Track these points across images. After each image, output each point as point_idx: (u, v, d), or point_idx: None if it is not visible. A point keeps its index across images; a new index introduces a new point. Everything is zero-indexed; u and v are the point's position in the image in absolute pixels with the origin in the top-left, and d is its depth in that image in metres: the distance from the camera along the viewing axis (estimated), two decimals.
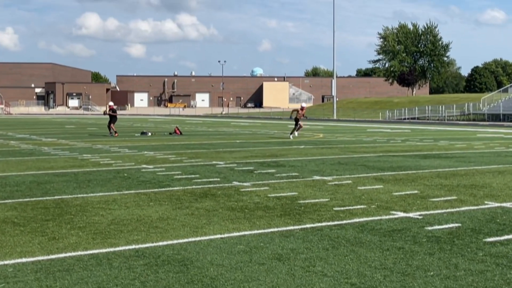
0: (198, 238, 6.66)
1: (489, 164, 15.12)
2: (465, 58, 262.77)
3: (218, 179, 11.79)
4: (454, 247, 6.21)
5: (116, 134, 27.84)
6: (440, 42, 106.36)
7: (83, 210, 8.35)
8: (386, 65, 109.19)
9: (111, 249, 6.14)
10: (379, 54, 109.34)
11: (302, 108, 27.56)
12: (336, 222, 7.52)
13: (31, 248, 6.18)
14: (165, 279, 5.13)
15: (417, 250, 6.11)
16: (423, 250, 6.11)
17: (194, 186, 10.78)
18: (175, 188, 10.55)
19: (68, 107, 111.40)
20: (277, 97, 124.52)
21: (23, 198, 9.45)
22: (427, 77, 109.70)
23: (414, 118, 64.94)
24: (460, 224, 7.37)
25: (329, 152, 18.82)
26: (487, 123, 52.84)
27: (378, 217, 7.84)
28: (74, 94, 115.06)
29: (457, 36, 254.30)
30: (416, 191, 10.17)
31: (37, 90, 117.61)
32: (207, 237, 6.70)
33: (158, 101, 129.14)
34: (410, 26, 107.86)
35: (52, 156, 17.12)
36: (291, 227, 7.22)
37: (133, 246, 6.26)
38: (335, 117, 70.56)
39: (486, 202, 9.09)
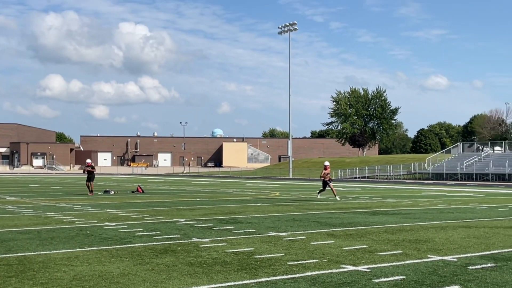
0: None
1: (433, 220, 15.50)
2: (411, 121, 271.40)
3: (178, 236, 11.77)
4: None
5: (91, 194, 27.30)
6: (388, 106, 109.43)
7: (45, 267, 8.22)
8: (339, 127, 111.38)
9: None
10: (332, 116, 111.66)
11: (325, 168, 24.96)
12: (289, 276, 7.61)
13: None
14: None
15: None
16: None
17: (155, 243, 10.73)
18: (137, 245, 10.49)
19: (33, 167, 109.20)
20: (236, 157, 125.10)
21: None
22: (376, 139, 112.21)
23: (364, 177, 65.98)
24: (404, 277, 7.56)
25: (285, 210, 18.97)
26: (432, 181, 54.09)
27: (329, 271, 7.97)
28: (39, 153, 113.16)
29: (404, 100, 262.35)
30: (365, 246, 10.37)
31: (2, 149, 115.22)
32: None
33: (121, 160, 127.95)
34: (361, 91, 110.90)
35: (15, 214, 16.76)
36: (247, 281, 7.28)
37: None
38: (291, 176, 71.12)
39: (429, 255, 9.34)
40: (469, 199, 25.23)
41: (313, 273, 7.83)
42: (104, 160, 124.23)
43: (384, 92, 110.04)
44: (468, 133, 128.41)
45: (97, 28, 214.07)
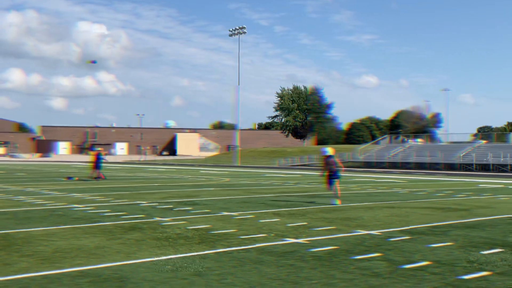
0: (131, 262, 7.14)
1: (362, 202, 16.47)
2: (345, 115, 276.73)
3: (143, 215, 12.19)
4: (332, 263, 7.10)
5: (97, 179, 27.41)
6: (324, 102, 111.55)
7: (28, 242, 8.55)
8: (282, 120, 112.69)
9: (59, 271, 6.50)
10: (276, 110, 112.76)
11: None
12: (242, 247, 8.23)
13: None
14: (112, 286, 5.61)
15: (304, 266, 6.94)
16: (309, 265, 6.95)
17: (122, 222, 11.13)
18: (106, 223, 10.87)
19: None
20: (189, 146, 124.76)
21: None
22: (314, 131, 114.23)
23: (304, 165, 67.33)
24: (337, 247, 8.32)
25: (235, 193, 19.58)
26: (362, 169, 55.84)
27: (275, 243, 8.65)
28: (2, 142, 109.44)
29: (338, 97, 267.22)
30: (305, 223, 11.11)
31: None
32: (139, 260, 7.20)
33: (80, 149, 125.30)
34: (302, 88, 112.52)
35: None
36: (207, 251, 7.86)
37: (77, 268, 6.66)
38: (237, 164, 71.72)
39: (357, 230, 10.16)
40: (393, 185, 26.53)
41: (262, 244, 8.48)
42: (63, 149, 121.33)
43: (320, 89, 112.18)
44: (395, 127, 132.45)
45: (56, 26, 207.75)
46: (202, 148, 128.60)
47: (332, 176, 15.40)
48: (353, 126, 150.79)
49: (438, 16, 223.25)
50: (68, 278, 6.14)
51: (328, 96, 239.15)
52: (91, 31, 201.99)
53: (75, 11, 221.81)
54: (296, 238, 9.14)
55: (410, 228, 10.49)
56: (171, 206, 14.44)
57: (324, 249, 8.08)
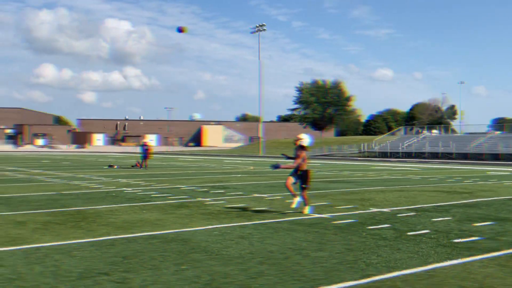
0: (187, 229, 8.50)
1: (376, 186, 17.63)
2: (363, 107, 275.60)
3: (186, 196, 13.59)
4: (349, 231, 8.36)
5: (141, 167, 28.83)
6: (344, 95, 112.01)
7: (98, 216, 9.99)
8: (302, 113, 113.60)
9: (132, 235, 7.90)
10: (296, 103, 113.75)
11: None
12: (275, 220, 9.55)
13: (79, 235, 7.84)
14: (176, 247, 6.98)
15: (327, 232, 8.22)
16: (331, 232, 8.24)
17: (170, 201, 12.54)
18: (157, 202, 12.29)
19: (35, 146, 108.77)
20: (214, 137, 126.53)
21: (50, 209, 10.95)
22: (333, 123, 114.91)
23: (323, 155, 68.37)
24: (354, 220, 9.58)
25: (262, 179, 20.91)
26: (378, 159, 56.70)
27: (302, 217, 9.94)
28: (40, 134, 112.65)
29: (356, 89, 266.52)
30: (326, 203, 12.38)
31: (7, 131, 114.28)
32: (192, 228, 8.56)
33: (113, 140, 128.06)
34: (321, 82, 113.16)
35: (48, 183, 18.31)
36: (246, 223, 9.19)
37: (146, 233, 8.05)
38: (262, 154, 73.04)
39: (370, 208, 11.40)
40: (407, 172, 27.55)
41: (291, 218, 9.79)
42: (98, 140, 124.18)
43: (340, 83, 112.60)
44: (411, 118, 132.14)
45: (85, 23, 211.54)
46: (227, 139, 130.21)
47: (299, 176, 10.62)
48: (371, 118, 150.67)
49: (453, 10, 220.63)
50: (141, 239, 7.53)
51: (347, 89, 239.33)
52: (118, 28, 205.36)
53: (104, 8, 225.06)
54: (320, 213, 10.42)
55: (417, 207, 11.68)
56: (207, 189, 15.82)
57: (343, 221, 9.35)
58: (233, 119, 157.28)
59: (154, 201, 12.49)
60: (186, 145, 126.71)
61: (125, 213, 10.33)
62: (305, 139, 10.62)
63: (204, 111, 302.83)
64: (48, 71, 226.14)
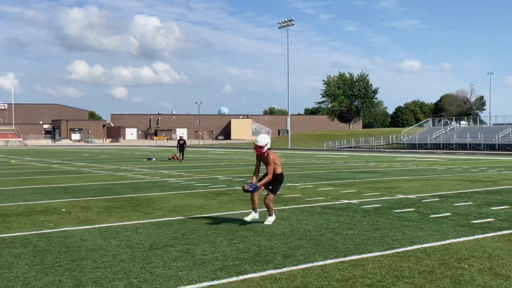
0: (231, 212, 9.49)
1: (403, 175, 18.34)
2: (390, 99, 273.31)
3: (224, 185, 14.60)
4: (376, 215, 9.21)
5: (178, 159, 30.18)
6: (370, 87, 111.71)
7: (151, 202, 11.07)
8: (329, 106, 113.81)
9: (186, 217, 8.91)
10: (323, 96, 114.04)
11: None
12: (308, 205, 10.46)
13: (139, 217, 8.90)
14: (225, 226, 7.96)
15: (356, 215, 9.09)
16: (359, 215, 9.10)
17: (211, 189, 13.57)
18: (200, 190, 13.33)
19: (72, 140, 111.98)
20: (242, 131, 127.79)
21: (106, 196, 12.09)
22: (360, 115, 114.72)
23: (350, 147, 68.74)
24: (381, 205, 10.41)
25: (293, 170, 21.81)
26: (406, 150, 56.84)
27: (333, 202, 10.83)
28: (76, 129, 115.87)
29: (382, 81, 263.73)
30: (354, 190, 13.22)
31: (45, 126, 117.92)
32: (236, 212, 9.55)
33: (145, 134, 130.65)
34: (347, 75, 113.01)
35: (96, 174, 19.60)
36: (283, 207, 10.13)
37: (197, 215, 9.06)
38: (289, 147, 73.82)
39: (397, 195, 12.19)
40: (433, 163, 28.03)
41: (323, 203, 10.68)
42: (130, 135, 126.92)
43: (367, 76, 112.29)
44: (439, 110, 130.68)
45: (115, 20, 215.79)
46: (255, 132, 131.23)
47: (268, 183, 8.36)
48: (398, 110, 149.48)
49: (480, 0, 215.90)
50: (194, 220, 8.55)
51: (373, 81, 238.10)
52: (147, 24, 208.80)
53: (133, 5, 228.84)
54: (349, 199, 11.28)
55: (440, 194, 12.41)
56: (243, 179, 16.80)
57: (371, 206, 10.20)
58: (259, 113, 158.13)
59: (197, 190, 13.53)
60: (216, 139, 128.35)
61: (175, 199, 11.38)
62: (264, 142, 8.05)
63: (231, 105, 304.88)
64: (80, 68, 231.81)
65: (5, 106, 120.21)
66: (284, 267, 5.49)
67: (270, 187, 8.33)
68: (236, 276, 5.15)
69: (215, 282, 4.93)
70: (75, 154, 45.32)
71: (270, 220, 8.25)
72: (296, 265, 5.56)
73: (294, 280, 5.00)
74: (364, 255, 6.01)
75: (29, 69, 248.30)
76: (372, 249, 6.36)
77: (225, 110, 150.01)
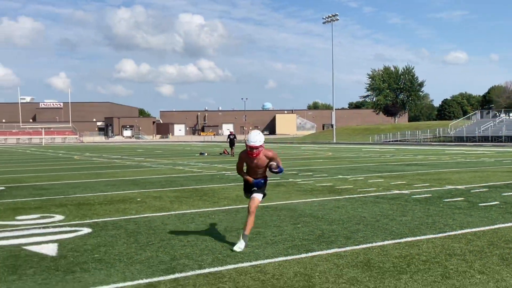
0: (290, 201, 10.21)
1: (451, 168, 18.54)
2: (436, 92, 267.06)
3: (278, 179, 15.32)
4: (427, 203, 9.70)
5: (228, 154, 31.21)
6: (416, 80, 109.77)
7: (215, 192, 11.92)
8: (374, 99, 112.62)
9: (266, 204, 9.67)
10: (368, 90, 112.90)
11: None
12: (361, 195, 11.04)
13: (208, 205, 9.75)
14: (287, 213, 8.68)
15: (408, 204, 9.62)
16: (411, 204, 9.63)
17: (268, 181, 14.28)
18: None
19: (123, 136, 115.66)
20: (287, 126, 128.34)
21: (173, 187, 13.05)
22: (406, 109, 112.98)
23: (396, 141, 68.12)
24: (431, 195, 10.87)
25: (341, 163, 22.31)
26: (454, 143, 55.93)
27: (384, 193, 11.36)
28: (128, 126, 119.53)
29: (428, 74, 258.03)
30: (404, 182, 13.66)
31: (98, 123, 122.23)
32: (295, 201, 10.25)
33: (193, 130, 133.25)
34: (392, 68, 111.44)
35: (156, 168, 20.75)
36: (338, 197, 10.76)
37: (261, 204, 9.80)
38: (334, 141, 73.84)
39: (446, 186, 12.57)
40: (482, 155, 27.82)
41: (375, 194, 11.23)
42: (179, 131, 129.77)
43: (412, 69, 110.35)
44: (487, 102, 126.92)
45: (160, 18, 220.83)
46: (299, 127, 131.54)
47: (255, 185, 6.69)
48: (445, 103, 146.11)
49: None
50: (258, 208, 9.30)
51: (418, 74, 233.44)
52: (191, 22, 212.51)
53: (178, 4, 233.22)
54: (399, 190, 11.78)
55: (489, 184, 12.70)
56: (295, 172, 17.48)
57: (422, 196, 10.68)
58: (303, 107, 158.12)
59: None
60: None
61: (235, 190, 12.20)
62: (261, 140, 6.32)
63: (275, 100, 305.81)
64: (128, 66, 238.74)
65: (60, 105, 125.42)
66: (347, 246, 6.16)
67: (256, 189, 6.53)
68: (306, 253, 5.86)
69: (288, 258, 5.66)
70: (130, 150, 47.20)
71: (241, 246, 6.07)
72: (357, 245, 6.22)
73: (357, 256, 5.66)
74: (418, 238, 6.60)
75: (79, 68, 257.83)
76: (426, 232, 6.92)
77: (269, 105, 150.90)
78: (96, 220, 8.27)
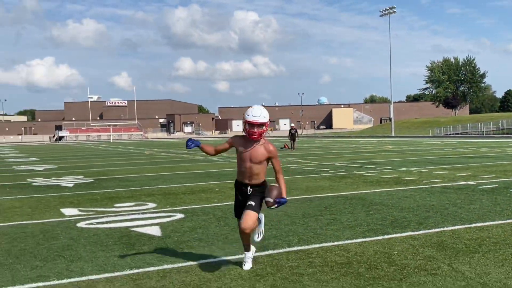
0: (357, 192, 10.70)
1: None
2: (499, 83, 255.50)
3: (343, 170, 15.79)
4: (494, 193, 9.92)
5: (289, 148, 31.70)
6: (477, 72, 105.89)
7: (293, 183, 12.55)
8: (433, 92, 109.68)
9: (320, 195, 10.28)
10: (427, 83, 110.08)
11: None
12: (427, 186, 11.36)
13: None
14: (358, 202, 9.20)
15: (475, 194, 9.88)
16: (478, 194, 9.88)
17: (332, 174, 14.82)
18: (323, 174, 14.63)
19: (184, 133, 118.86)
20: (344, 120, 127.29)
21: None
22: (467, 101, 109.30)
23: (457, 134, 66.28)
24: (497, 185, 11.03)
25: (403, 156, 22.39)
26: None
27: (451, 183, 11.62)
28: (188, 122, 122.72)
29: (489, 64, 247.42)
30: (469, 173, 13.78)
31: (161, 120, 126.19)
32: (362, 191, 10.73)
33: None
34: (452, 60, 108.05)
35: (223, 162, 21.69)
36: (404, 188, 11.14)
37: (329, 194, 10.38)
38: (393, 134, 72.75)
39: None
40: None
41: (441, 185, 11.52)
42: (237, 126, 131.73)
43: (473, 60, 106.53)
44: None
45: (216, 16, 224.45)
46: (356, 121, 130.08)
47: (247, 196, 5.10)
48: (508, 94, 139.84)
49: None
50: (329, 198, 9.89)
51: (479, 64, 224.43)
52: (246, 19, 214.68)
53: (233, 1, 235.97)
54: (465, 181, 11.99)
55: None
56: (359, 165, 17.86)
57: (488, 186, 10.88)
58: (359, 101, 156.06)
59: (320, 174, 14.87)
60: (318, 128, 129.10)
61: (304, 182, 12.82)
62: (267, 116, 4.86)
63: (330, 94, 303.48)
64: (186, 64, 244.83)
65: (125, 103, 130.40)
66: (420, 230, 6.64)
67: (253, 202, 4.95)
68: (382, 235, 6.40)
69: (367, 239, 6.23)
70: None
71: (249, 265, 5.08)
72: (430, 229, 6.69)
73: (430, 239, 6.15)
74: (487, 223, 6.97)
75: (140, 67, 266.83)
76: (494, 218, 7.27)
77: (324, 99, 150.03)
78: (185, 207, 9.14)
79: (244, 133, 4.98)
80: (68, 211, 8.98)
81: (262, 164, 4.98)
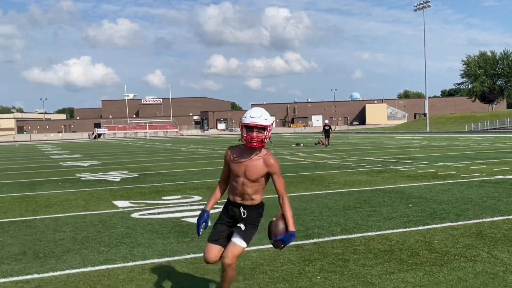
0: (396, 185, 10.90)
1: None
2: None
3: (380, 166, 15.94)
4: None
5: (323, 144, 31.88)
6: None
7: (323, 178, 12.87)
8: (469, 86, 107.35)
9: (358, 189, 10.53)
10: (462, 77, 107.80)
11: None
12: (464, 180, 11.45)
13: (321, 189, 10.72)
14: (396, 195, 9.42)
15: None
16: None
17: (369, 169, 15.00)
18: (359, 169, 14.85)
19: (218, 129, 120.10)
20: (377, 116, 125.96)
21: (282, 174, 14.15)
22: (504, 95, 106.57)
23: (495, 129, 64.81)
24: None
25: (439, 151, 22.28)
26: None
27: (488, 178, 11.67)
28: (222, 119, 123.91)
29: None
30: (508, 168, 13.75)
31: (195, 117, 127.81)
32: (401, 185, 10.93)
33: (283, 122, 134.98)
34: (489, 53, 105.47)
35: None
36: (442, 182, 11.27)
37: (366, 188, 10.62)
38: (428, 130, 71.71)
39: None
40: None
41: (479, 179, 11.58)
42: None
43: (511, 53, 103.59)
44: None
45: (247, 14, 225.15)
46: (390, 117, 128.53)
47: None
48: None
49: None
50: (367, 191, 10.14)
51: None
52: (277, 15, 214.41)
53: None
54: (504, 175, 12.01)
55: None
56: (395, 160, 17.95)
57: None
58: (392, 97, 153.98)
59: (357, 169, 15.08)
60: (351, 124, 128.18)
61: (342, 176, 13.08)
62: (269, 119, 3.89)
63: (362, 90, 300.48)
64: (218, 62, 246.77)
65: (160, 101, 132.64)
66: (459, 221, 6.85)
67: (243, 226, 3.96)
68: (422, 226, 6.65)
69: (407, 229, 6.49)
70: (228, 142, 49.38)
71: None
72: (468, 220, 6.90)
73: (470, 229, 6.36)
74: None
75: (173, 65, 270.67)
76: None
77: (357, 95, 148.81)
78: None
79: (240, 142, 3.86)
80: (121, 203, 9.54)
81: (259, 182, 3.87)
